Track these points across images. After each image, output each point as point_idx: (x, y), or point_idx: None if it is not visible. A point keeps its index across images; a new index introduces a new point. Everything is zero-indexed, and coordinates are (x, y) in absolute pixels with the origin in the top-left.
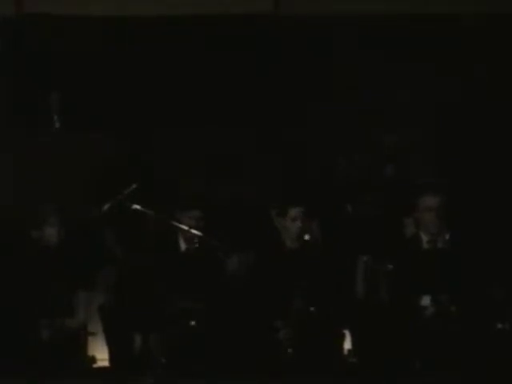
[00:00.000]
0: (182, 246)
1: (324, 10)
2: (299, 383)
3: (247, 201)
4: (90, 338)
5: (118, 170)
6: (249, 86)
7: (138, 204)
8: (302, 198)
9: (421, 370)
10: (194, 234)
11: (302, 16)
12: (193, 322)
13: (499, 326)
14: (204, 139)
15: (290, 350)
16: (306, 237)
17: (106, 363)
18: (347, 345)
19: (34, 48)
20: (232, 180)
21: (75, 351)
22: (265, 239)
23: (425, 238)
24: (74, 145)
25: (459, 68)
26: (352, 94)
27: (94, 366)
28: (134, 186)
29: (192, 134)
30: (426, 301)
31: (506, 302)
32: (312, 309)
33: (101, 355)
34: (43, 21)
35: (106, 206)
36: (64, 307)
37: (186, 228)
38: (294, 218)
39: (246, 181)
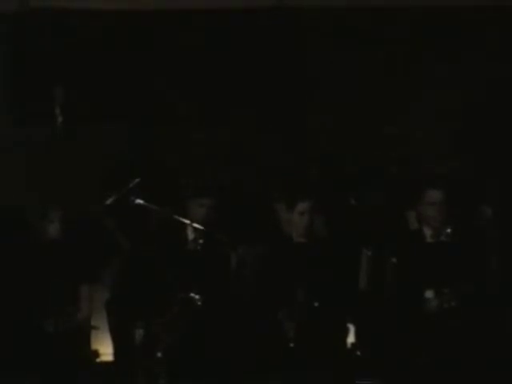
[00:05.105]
0: (185, 239)
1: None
2: (301, 377)
3: (253, 194)
4: (93, 333)
5: (122, 165)
6: (253, 79)
7: (143, 197)
8: (308, 192)
9: (424, 363)
10: (196, 228)
11: (305, 8)
12: (197, 296)
13: (501, 319)
14: (210, 133)
15: (292, 344)
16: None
17: (109, 357)
18: (351, 339)
19: (38, 43)
20: (238, 173)
21: (78, 345)
22: (270, 232)
23: (428, 232)
24: (76, 139)
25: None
26: (356, 86)
27: (97, 360)
28: (138, 180)
29: (199, 126)
30: (429, 294)
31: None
32: (316, 304)
33: (104, 349)
34: (46, 15)
35: (110, 200)
36: (68, 301)
37: (188, 222)
38: (302, 212)
39: (252, 174)
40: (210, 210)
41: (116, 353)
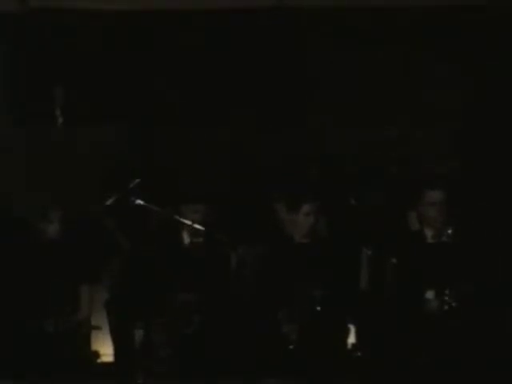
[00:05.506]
0: (186, 239)
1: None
2: (301, 378)
3: (253, 194)
4: (93, 333)
5: (122, 165)
6: (253, 79)
7: (143, 198)
8: (313, 193)
9: (424, 363)
10: (196, 229)
11: (305, 8)
12: (189, 323)
13: (501, 319)
14: (210, 133)
15: (292, 345)
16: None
17: (109, 358)
18: (351, 339)
19: (38, 43)
20: (238, 173)
21: (78, 345)
22: (270, 232)
23: (429, 232)
24: (76, 140)
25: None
26: (356, 86)
27: (98, 360)
28: (138, 180)
29: (199, 126)
30: (429, 295)
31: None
32: (318, 308)
33: (104, 350)
34: (46, 15)
35: (110, 200)
36: (68, 301)
37: (189, 223)
38: (307, 213)
39: (252, 174)
40: (205, 214)
41: (116, 353)
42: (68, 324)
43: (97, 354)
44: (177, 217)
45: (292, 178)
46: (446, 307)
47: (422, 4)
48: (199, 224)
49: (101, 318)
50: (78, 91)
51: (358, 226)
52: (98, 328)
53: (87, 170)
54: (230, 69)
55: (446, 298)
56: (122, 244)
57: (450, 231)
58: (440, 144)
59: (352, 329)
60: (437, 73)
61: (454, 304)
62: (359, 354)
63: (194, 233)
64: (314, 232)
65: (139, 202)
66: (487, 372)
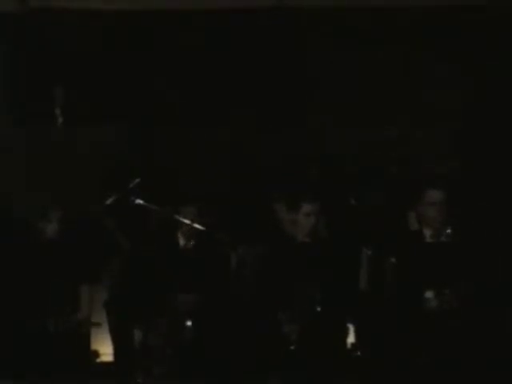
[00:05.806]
0: (186, 239)
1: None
2: (301, 378)
3: (255, 194)
4: (93, 333)
5: (122, 165)
6: (253, 79)
7: (143, 197)
8: (313, 194)
9: (424, 363)
10: (196, 229)
11: (305, 8)
12: (189, 323)
13: (501, 319)
14: (210, 133)
15: (292, 345)
16: None
17: (109, 358)
18: (351, 339)
19: (38, 43)
20: (238, 173)
21: (78, 345)
22: (270, 232)
23: (428, 232)
24: (75, 139)
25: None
26: (356, 86)
27: (97, 360)
28: (138, 180)
29: (199, 126)
30: (429, 295)
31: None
32: (318, 309)
33: (104, 349)
34: (46, 15)
35: (110, 200)
36: (68, 301)
37: (188, 223)
38: (307, 213)
39: (252, 174)
40: (204, 215)
41: (116, 353)
42: (68, 324)
43: (96, 354)
44: (177, 216)
45: (292, 177)
46: (446, 307)
47: (422, 4)
48: (199, 224)
49: (101, 318)
50: (78, 91)
51: (358, 225)
52: (97, 324)
53: (87, 169)
54: (230, 69)
55: (446, 298)
56: (122, 244)
57: (449, 231)
58: (440, 144)
59: (352, 329)
60: (437, 73)
61: (453, 304)
62: (359, 353)
63: (193, 233)
64: (314, 232)
65: (139, 201)
66: (487, 372)
